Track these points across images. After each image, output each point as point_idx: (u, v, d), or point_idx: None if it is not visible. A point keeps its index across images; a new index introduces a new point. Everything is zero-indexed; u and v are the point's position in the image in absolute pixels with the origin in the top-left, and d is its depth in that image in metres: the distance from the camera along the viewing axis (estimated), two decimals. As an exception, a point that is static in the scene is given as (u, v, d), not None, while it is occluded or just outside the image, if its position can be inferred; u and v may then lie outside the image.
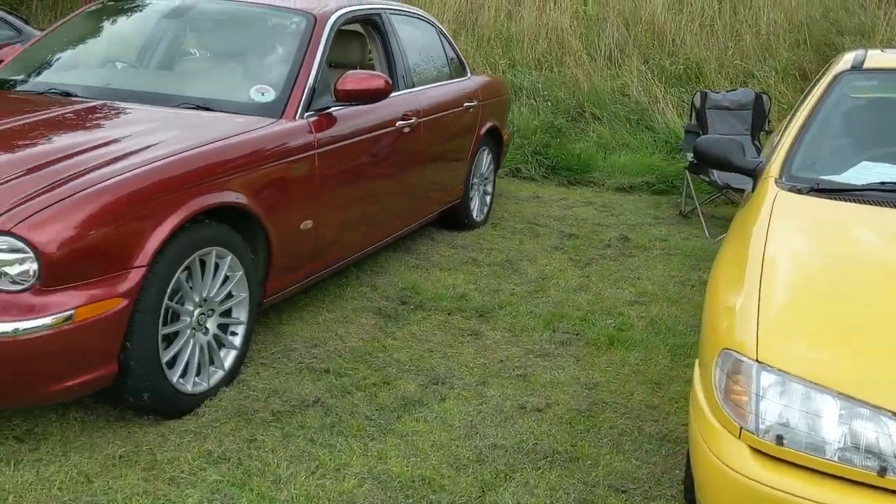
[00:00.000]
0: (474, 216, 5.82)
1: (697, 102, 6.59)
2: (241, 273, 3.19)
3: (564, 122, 8.16)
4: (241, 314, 3.26)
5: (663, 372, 3.67)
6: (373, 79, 3.81)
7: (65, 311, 2.47)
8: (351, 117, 3.95)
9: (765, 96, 6.71)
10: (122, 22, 4.37)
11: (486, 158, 5.91)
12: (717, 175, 5.97)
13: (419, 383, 3.39)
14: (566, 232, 5.88)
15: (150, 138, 3.07)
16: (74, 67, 4.05)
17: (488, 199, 6.09)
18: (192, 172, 2.95)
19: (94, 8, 4.41)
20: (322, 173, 3.68)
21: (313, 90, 3.73)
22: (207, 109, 3.52)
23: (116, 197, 2.65)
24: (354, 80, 3.79)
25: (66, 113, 3.32)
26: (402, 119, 4.44)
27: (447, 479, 2.74)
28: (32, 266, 2.43)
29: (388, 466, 2.78)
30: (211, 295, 3.08)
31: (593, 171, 7.65)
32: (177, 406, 2.96)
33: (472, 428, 3.08)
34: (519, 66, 9.05)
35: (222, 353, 3.19)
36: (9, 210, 2.46)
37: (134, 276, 2.68)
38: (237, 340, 3.25)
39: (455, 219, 5.63)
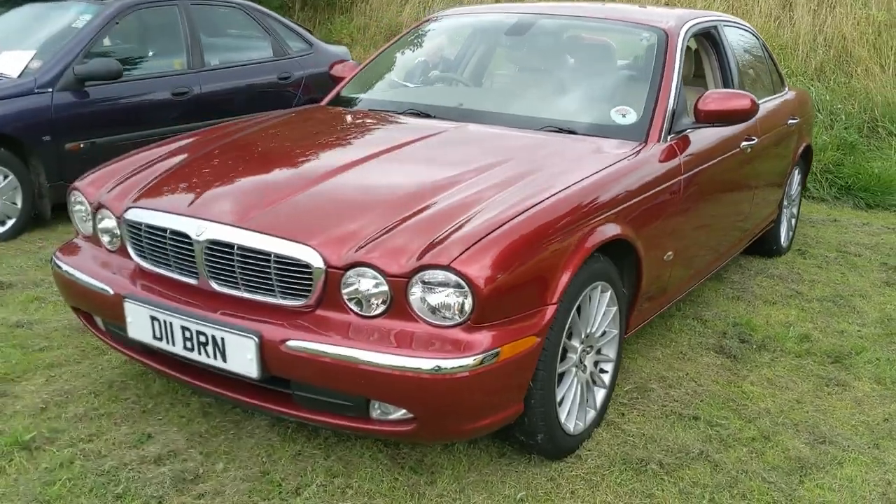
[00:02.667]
0: (781, 242, 5.35)
1: None
2: (615, 308, 3.00)
3: (857, 137, 7.43)
4: (611, 351, 3.06)
5: None
6: (738, 98, 3.48)
7: (491, 349, 2.35)
8: (703, 139, 3.66)
9: None
10: (458, 39, 4.32)
11: (796, 178, 5.43)
12: None
13: (804, 441, 3.04)
14: (889, 264, 5.28)
15: (536, 165, 2.93)
16: (421, 86, 4.03)
17: (794, 222, 5.60)
18: (592, 204, 2.77)
19: (428, 25, 4.40)
20: (684, 200, 3.42)
21: (674, 112, 3.48)
22: (571, 132, 3.36)
23: (536, 230, 2.51)
24: (717, 99, 3.48)
25: (439, 136, 3.25)
26: (745, 140, 4.09)
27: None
28: (467, 302, 2.33)
29: (811, 542, 2.47)
30: (592, 331, 2.90)
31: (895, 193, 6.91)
32: (563, 447, 2.80)
33: (888, 501, 2.70)
34: (798, 76, 8.37)
35: (595, 393, 3.00)
36: (441, 244, 2.38)
37: (547, 313, 2.53)
38: (607, 378, 3.05)
39: (761, 245, 5.20)
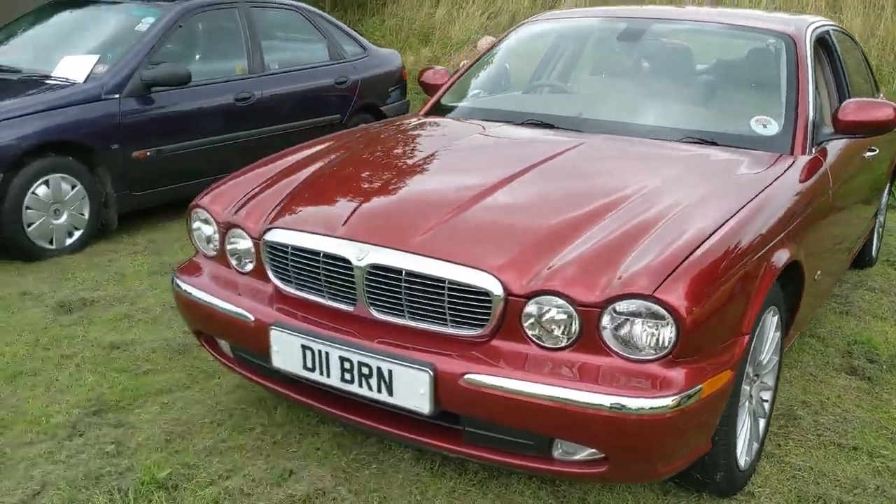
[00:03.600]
0: (873, 252, 5.18)
1: None
2: (779, 334, 2.81)
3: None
4: (771, 379, 2.87)
5: None
6: (881, 108, 3.28)
7: (694, 386, 2.16)
8: (836, 149, 3.47)
9: None
10: (563, 43, 4.13)
11: (886, 187, 5.25)
12: None
13: (976, 473, 2.86)
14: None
15: (698, 181, 2.75)
16: (532, 94, 3.85)
17: (881, 231, 5.42)
18: (772, 224, 2.59)
19: (526, 28, 4.20)
20: (831, 215, 3.24)
21: (814, 121, 3.29)
22: (713, 143, 3.17)
23: (729, 254, 2.32)
24: (858, 109, 3.28)
25: (579, 149, 3.04)
26: (869, 151, 3.91)
27: None
28: (668, 334, 2.14)
29: None
30: (762, 359, 2.71)
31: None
32: (737, 485, 2.61)
33: None
34: None
35: (758, 424, 2.82)
36: (636, 270, 2.18)
37: (740, 345, 2.35)
38: (767, 408, 2.87)
39: (856, 257, 5.01)
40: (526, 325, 2.24)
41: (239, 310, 2.65)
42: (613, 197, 2.59)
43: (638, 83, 3.70)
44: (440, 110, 3.87)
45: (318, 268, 2.50)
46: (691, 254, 2.25)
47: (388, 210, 2.62)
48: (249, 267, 2.75)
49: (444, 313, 2.31)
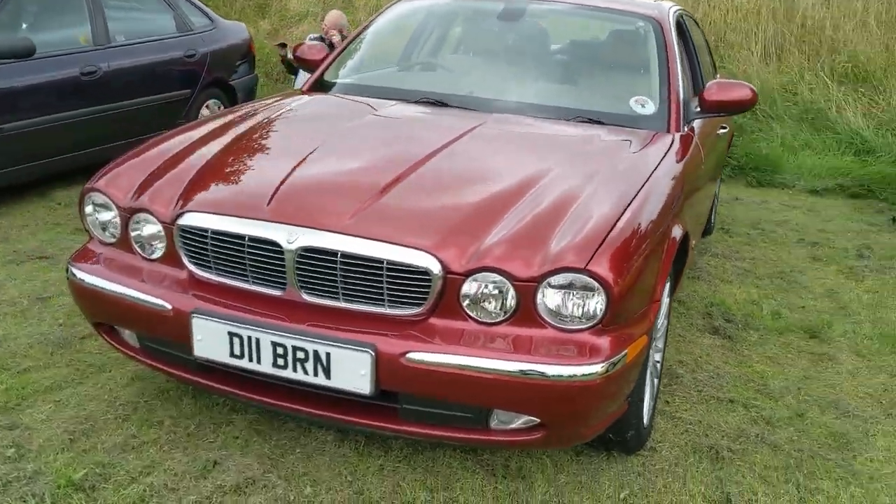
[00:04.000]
0: (711, 221, 5.66)
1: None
2: (668, 300, 3.05)
3: (745, 119, 7.96)
4: (661, 342, 3.11)
5: None
6: (740, 88, 3.57)
7: (620, 352, 2.32)
8: (701, 126, 3.75)
9: None
10: (445, 22, 4.18)
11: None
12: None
13: (832, 416, 3.24)
14: (806, 240, 5.71)
15: (602, 158, 2.91)
16: (420, 72, 3.87)
17: (716, 202, 5.93)
18: (671, 198, 2.79)
19: (406, 5, 4.21)
20: (700, 187, 3.53)
21: (685, 101, 3.56)
22: (599, 123, 3.35)
23: (644, 228, 2.50)
24: (720, 89, 3.57)
25: (483, 127, 3.11)
26: (721, 128, 4.27)
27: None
28: (599, 305, 2.27)
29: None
30: (659, 324, 2.93)
31: (783, 172, 7.47)
32: (642, 442, 2.83)
33: (927, 468, 2.94)
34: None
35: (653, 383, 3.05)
36: (567, 245, 2.30)
37: (653, 312, 2.54)
38: (659, 368, 3.11)
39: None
40: (464, 302, 2.31)
41: (153, 299, 2.53)
42: (527, 176, 2.69)
43: (527, 64, 3.81)
44: (324, 87, 3.81)
45: (242, 252, 2.44)
46: (611, 230, 2.39)
47: (312, 191, 2.58)
48: (158, 253, 2.63)
49: (381, 294, 2.33)
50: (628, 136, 3.23)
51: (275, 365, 2.38)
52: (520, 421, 2.37)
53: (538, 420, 2.34)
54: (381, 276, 2.31)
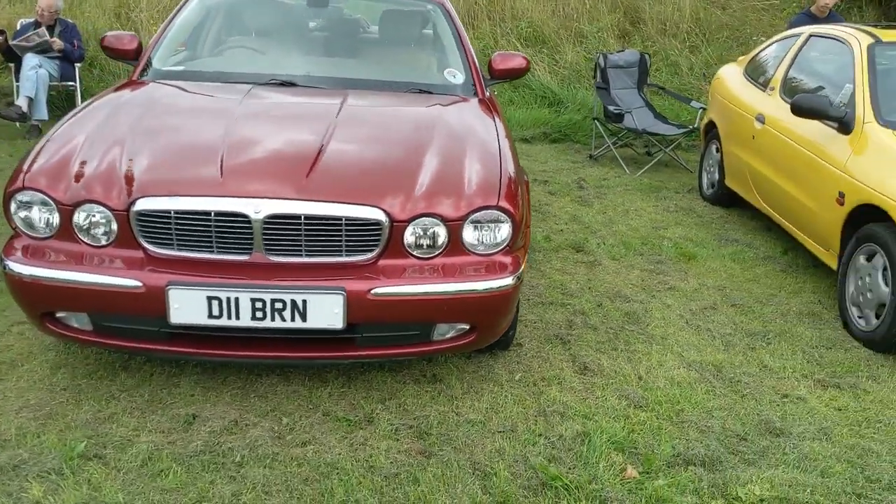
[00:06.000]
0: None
1: (602, 63, 7.89)
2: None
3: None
4: (502, 263, 3.94)
5: (757, 264, 4.95)
6: (516, 58, 4.48)
7: (521, 267, 3.08)
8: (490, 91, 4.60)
9: (646, 56, 8.21)
10: (261, 8, 4.55)
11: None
12: (637, 121, 7.34)
13: (620, 301, 4.32)
14: (538, 179, 6.92)
15: (457, 120, 3.59)
16: (255, 54, 4.22)
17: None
18: (514, 149, 3.57)
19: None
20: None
21: (480, 71, 4.37)
22: (429, 93, 4.02)
23: (517, 173, 3.25)
24: (503, 59, 4.43)
25: (351, 101, 3.60)
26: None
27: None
28: (506, 232, 3.00)
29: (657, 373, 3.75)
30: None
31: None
32: (510, 340, 3.62)
33: (696, 312, 4.12)
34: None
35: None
36: (481, 189, 2.99)
37: (528, 236, 3.33)
38: (503, 285, 3.93)
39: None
40: (406, 243, 2.90)
41: (120, 280, 2.77)
42: (417, 139, 3.29)
43: (353, 45, 4.38)
44: (158, 75, 3.97)
45: (208, 226, 2.78)
46: (501, 176, 3.13)
47: (255, 167, 2.96)
48: (107, 239, 2.84)
49: (339, 246, 2.85)
50: (454, 101, 3.95)
51: (253, 318, 2.79)
52: (453, 331, 3.04)
53: (468, 326, 3.03)
54: (339, 230, 2.83)
